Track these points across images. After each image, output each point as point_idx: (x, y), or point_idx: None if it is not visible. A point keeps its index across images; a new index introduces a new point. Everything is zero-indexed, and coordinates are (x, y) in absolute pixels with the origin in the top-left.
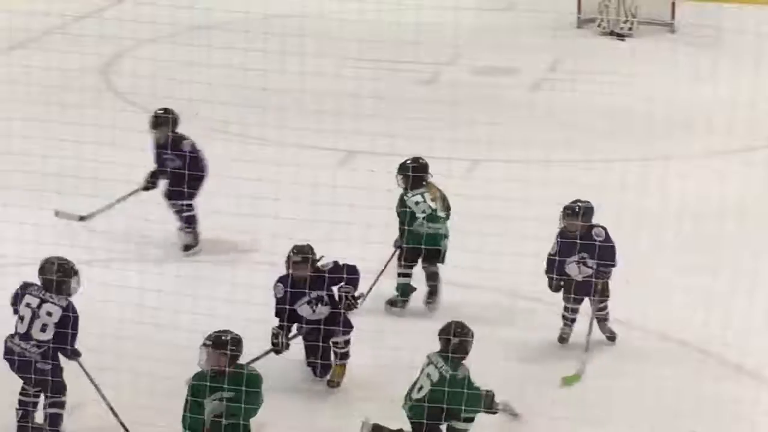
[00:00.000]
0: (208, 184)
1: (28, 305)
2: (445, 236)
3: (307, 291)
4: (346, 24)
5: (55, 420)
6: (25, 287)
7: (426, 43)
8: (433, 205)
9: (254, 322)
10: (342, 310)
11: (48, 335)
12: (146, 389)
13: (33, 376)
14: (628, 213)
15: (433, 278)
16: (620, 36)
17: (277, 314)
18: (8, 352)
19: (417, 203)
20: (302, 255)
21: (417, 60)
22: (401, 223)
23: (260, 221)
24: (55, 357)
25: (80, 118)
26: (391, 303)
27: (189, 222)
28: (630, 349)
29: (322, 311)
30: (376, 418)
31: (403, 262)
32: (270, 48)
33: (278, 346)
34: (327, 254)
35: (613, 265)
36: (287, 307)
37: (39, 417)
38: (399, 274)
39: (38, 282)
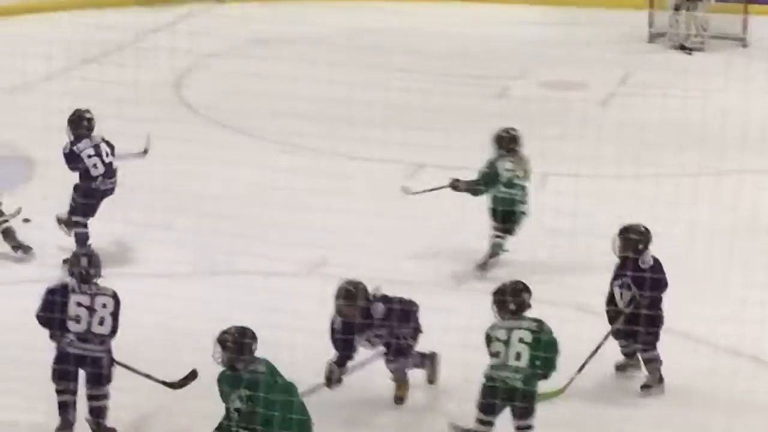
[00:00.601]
0: (278, 199)
1: (79, 304)
2: (521, 203)
3: (359, 333)
4: (415, 38)
5: (103, 412)
6: (63, 290)
7: (495, 57)
8: (516, 172)
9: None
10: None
11: (106, 327)
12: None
13: (92, 370)
14: (701, 228)
15: (495, 248)
16: (689, 50)
17: (334, 346)
18: (63, 358)
19: (506, 169)
20: (346, 299)
21: (486, 74)
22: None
23: (332, 234)
24: (110, 348)
25: (153, 132)
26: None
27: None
28: (702, 366)
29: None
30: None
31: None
32: (342, 61)
33: (330, 382)
34: (397, 267)
35: (656, 296)
36: (343, 337)
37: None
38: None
39: (69, 280)
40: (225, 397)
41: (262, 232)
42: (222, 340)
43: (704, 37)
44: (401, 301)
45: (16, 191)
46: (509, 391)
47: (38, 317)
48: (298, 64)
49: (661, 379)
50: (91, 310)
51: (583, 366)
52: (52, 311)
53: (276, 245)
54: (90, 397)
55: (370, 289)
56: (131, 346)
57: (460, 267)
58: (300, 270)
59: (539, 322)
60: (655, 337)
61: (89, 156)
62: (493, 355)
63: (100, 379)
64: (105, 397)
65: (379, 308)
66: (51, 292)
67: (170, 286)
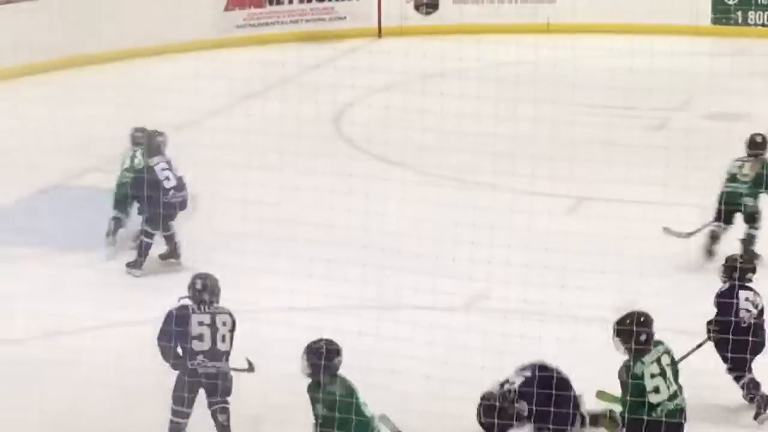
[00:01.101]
0: (442, 233)
1: (201, 323)
2: (747, 195)
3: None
4: (578, 70)
5: (228, 424)
6: (182, 312)
7: (657, 88)
8: (745, 171)
9: (487, 369)
10: None
11: (227, 344)
12: None
13: (221, 383)
14: None
15: (747, 242)
16: None
17: None
18: (192, 374)
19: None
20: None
21: (649, 106)
22: None
23: (492, 267)
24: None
25: (314, 166)
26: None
27: None
28: None
29: None
30: None
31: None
32: (502, 95)
33: None
34: (560, 301)
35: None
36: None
37: None
38: None
39: (188, 302)
40: (312, 403)
41: (425, 266)
42: (306, 353)
43: None
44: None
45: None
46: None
47: (162, 343)
48: (457, 99)
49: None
50: (213, 328)
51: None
52: (173, 334)
53: (440, 279)
54: (220, 410)
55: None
56: (296, 378)
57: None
58: (462, 304)
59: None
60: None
61: (162, 169)
62: (654, 391)
63: (228, 391)
64: (227, 410)
65: (523, 407)
66: (170, 315)
67: (334, 319)
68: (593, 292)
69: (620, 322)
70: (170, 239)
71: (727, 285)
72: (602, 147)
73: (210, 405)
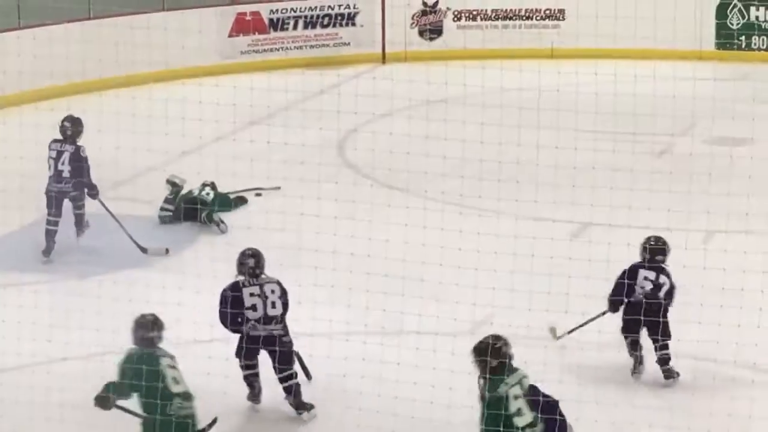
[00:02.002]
0: (444, 258)
1: (252, 294)
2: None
3: None
4: (581, 96)
5: (297, 389)
6: (236, 288)
7: (661, 114)
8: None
9: None
10: None
11: (278, 309)
12: None
13: (278, 348)
14: None
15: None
16: None
17: None
18: (252, 340)
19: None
20: None
21: (652, 131)
22: None
23: (496, 293)
24: (287, 328)
25: (318, 192)
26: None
27: None
28: None
29: None
30: None
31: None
32: (506, 121)
33: None
34: (563, 325)
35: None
36: None
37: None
38: None
39: (240, 278)
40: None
41: (428, 292)
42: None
43: None
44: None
45: (182, 253)
46: None
47: (223, 317)
48: (460, 124)
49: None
50: (263, 297)
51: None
52: (231, 306)
53: (444, 304)
54: (281, 380)
55: None
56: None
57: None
58: (466, 329)
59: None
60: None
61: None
62: (517, 414)
63: (285, 358)
64: (293, 376)
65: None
66: (226, 291)
67: (338, 345)
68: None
69: (477, 348)
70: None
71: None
72: (606, 172)
73: (278, 380)
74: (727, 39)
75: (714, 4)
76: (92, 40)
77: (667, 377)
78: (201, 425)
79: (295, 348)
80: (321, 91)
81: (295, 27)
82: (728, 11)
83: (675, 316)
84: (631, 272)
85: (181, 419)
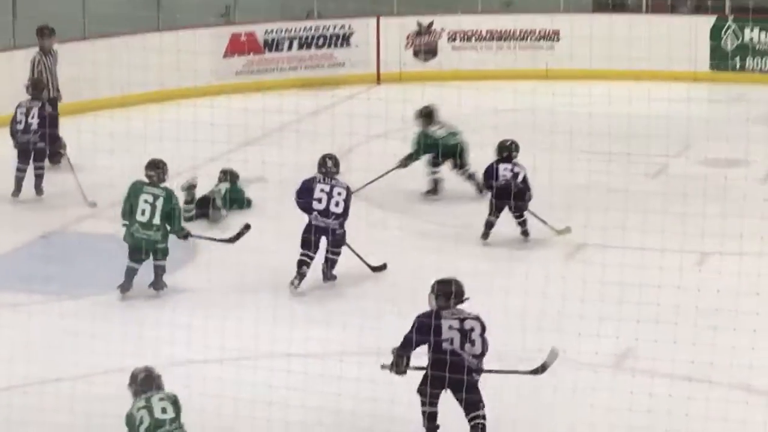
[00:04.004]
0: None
1: (322, 190)
2: None
3: None
4: (576, 117)
5: (335, 264)
6: (311, 181)
7: (655, 135)
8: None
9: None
10: None
11: (339, 208)
12: None
13: (331, 237)
14: None
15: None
16: None
17: None
18: (315, 228)
19: None
20: None
21: (647, 152)
22: None
23: (491, 314)
24: (343, 225)
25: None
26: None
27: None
28: None
29: None
30: None
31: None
32: (494, 142)
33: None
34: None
35: None
36: None
37: None
38: None
39: (317, 175)
40: None
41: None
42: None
43: None
44: None
45: (176, 274)
46: None
47: (297, 201)
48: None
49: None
50: (329, 195)
51: None
52: (306, 194)
53: None
54: (328, 258)
55: None
56: (297, 425)
57: (618, 348)
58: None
59: None
60: None
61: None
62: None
63: (336, 242)
64: (339, 254)
65: None
66: (304, 182)
67: (333, 366)
68: (591, 339)
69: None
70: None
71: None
72: (600, 193)
73: (326, 253)
74: (721, 60)
75: (708, 25)
76: (87, 61)
77: (523, 234)
78: None
79: (290, 371)
80: (315, 112)
81: (289, 48)
82: (723, 33)
83: (668, 336)
84: (492, 167)
85: None
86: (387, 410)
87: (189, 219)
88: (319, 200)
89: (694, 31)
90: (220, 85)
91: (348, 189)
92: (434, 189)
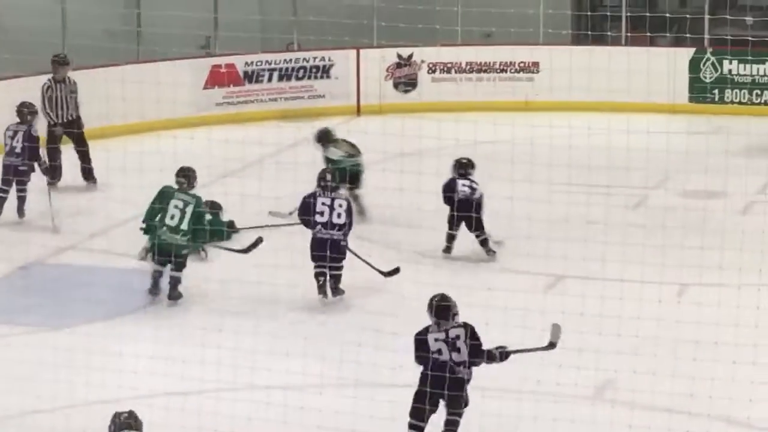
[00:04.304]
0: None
1: (323, 204)
2: None
3: None
4: (555, 149)
5: (339, 279)
6: (312, 196)
7: (635, 167)
8: None
9: None
10: None
11: (342, 219)
12: None
13: (334, 249)
14: None
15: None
16: None
17: None
18: (318, 241)
19: None
20: None
21: (626, 184)
22: None
23: None
24: (346, 236)
25: (293, 244)
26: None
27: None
28: None
29: None
30: None
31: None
32: (480, 173)
33: None
34: (538, 379)
35: None
36: None
37: None
38: None
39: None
40: None
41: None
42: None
43: None
44: None
45: (156, 305)
46: None
47: (300, 218)
48: (435, 177)
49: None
50: (331, 207)
51: None
52: (307, 210)
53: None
54: (331, 269)
55: None
56: None
57: (598, 380)
58: None
59: None
60: None
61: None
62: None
63: (336, 251)
64: (341, 268)
65: None
66: (304, 198)
67: (312, 398)
68: (571, 370)
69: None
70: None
71: (449, 177)
72: (580, 225)
73: (329, 268)
74: (700, 92)
75: (687, 57)
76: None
77: (488, 253)
78: None
79: (269, 402)
80: (295, 144)
81: (269, 79)
82: (701, 65)
83: (648, 367)
84: (452, 182)
85: None
86: None
87: None
88: (321, 213)
89: (673, 63)
90: (200, 116)
91: (348, 201)
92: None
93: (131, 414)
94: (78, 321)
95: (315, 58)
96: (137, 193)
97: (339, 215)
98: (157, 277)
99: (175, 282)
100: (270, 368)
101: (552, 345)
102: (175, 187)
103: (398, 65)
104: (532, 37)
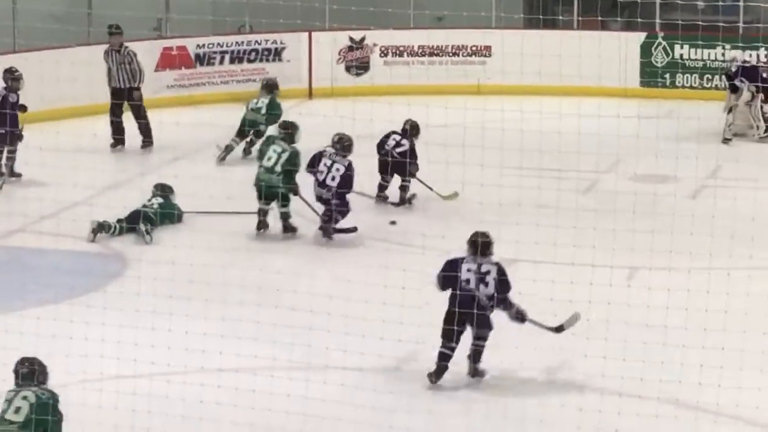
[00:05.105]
0: (371, 294)
1: (324, 164)
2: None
3: None
4: (507, 132)
5: (329, 225)
6: (321, 153)
7: (585, 151)
8: None
9: None
10: None
11: (335, 181)
12: None
13: (329, 207)
14: None
15: None
16: (726, 140)
17: None
18: (317, 195)
19: None
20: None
21: (577, 168)
22: None
23: (421, 330)
24: (338, 196)
25: (244, 228)
26: None
27: None
28: None
29: None
30: None
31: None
32: (432, 157)
33: None
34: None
35: None
36: None
37: None
38: None
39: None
40: None
41: (354, 328)
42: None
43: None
44: None
45: (106, 288)
46: None
47: (307, 166)
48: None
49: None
50: (329, 169)
51: None
52: (312, 164)
53: (369, 340)
54: (323, 220)
55: None
56: None
57: (552, 361)
58: (391, 366)
59: None
60: None
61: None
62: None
63: (327, 213)
64: (336, 217)
65: None
66: (317, 153)
67: (263, 381)
68: (527, 351)
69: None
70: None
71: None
72: (531, 209)
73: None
74: (651, 77)
75: (638, 42)
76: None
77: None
78: None
79: (221, 386)
80: None
81: (221, 62)
82: (653, 49)
83: (601, 349)
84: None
85: None
86: (317, 426)
87: (115, 233)
88: (320, 173)
89: (624, 47)
90: (151, 99)
91: (349, 167)
92: None
93: (33, 363)
94: (28, 304)
95: (267, 41)
96: (88, 176)
97: (333, 178)
98: (260, 214)
99: (284, 216)
100: (221, 351)
101: (561, 328)
102: (279, 136)
103: (350, 48)
104: (484, 21)
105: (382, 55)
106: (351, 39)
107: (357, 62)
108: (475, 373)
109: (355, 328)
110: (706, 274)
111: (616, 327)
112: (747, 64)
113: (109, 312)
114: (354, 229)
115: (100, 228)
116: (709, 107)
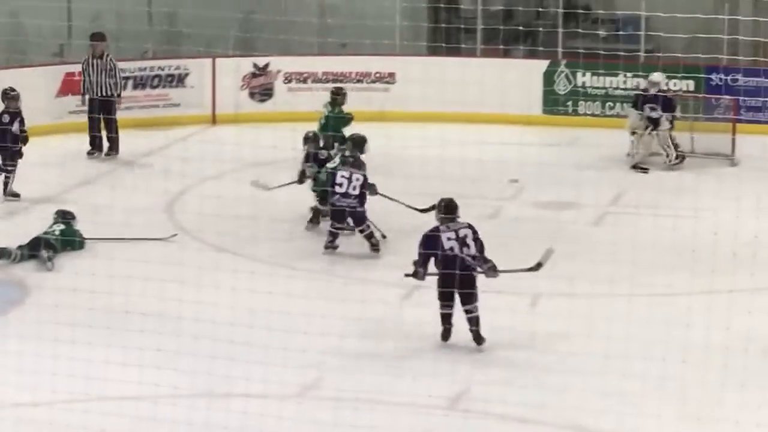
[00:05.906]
0: (273, 321)
1: (342, 176)
2: None
3: None
4: (409, 160)
5: (371, 234)
6: (332, 169)
7: (488, 178)
8: None
9: None
10: None
11: (356, 191)
12: None
13: (354, 216)
14: (694, 348)
15: None
16: (643, 169)
17: None
18: (337, 210)
19: None
20: None
21: (481, 195)
22: None
23: (325, 356)
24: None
25: (145, 255)
26: None
27: None
28: None
29: None
30: None
31: None
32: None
33: None
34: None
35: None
36: None
37: None
38: None
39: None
40: None
41: (257, 356)
42: None
43: (671, 156)
44: None
45: (7, 315)
46: None
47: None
48: (290, 187)
49: None
50: (349, 180)
51: None
52: (326, 181)
53: (272, 368)
54: (366, 236)
55: None
56: None
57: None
58: (294, 393)
59: None
60: None
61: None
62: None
63: (358, 219)
64: (365, 230)
65: None
66: (330, 170)
67: (165, 409)
68: (426, 379)
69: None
70: None
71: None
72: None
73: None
74: (554, 104)
75: (541, 69)
76: None
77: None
78: None
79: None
80: (150, 152)
81: (124, 88)
82: (555, 77)
83: (503, 375)
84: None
85: None
86: None
87: (16, 260)
88: (340, 185)
89: (527, 75)
90: (54, 124)
91: (365, 175)
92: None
93: None
94: None
95: (170, 67)
96: None
97: (354, 187)
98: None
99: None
100: (123, 379)
101: (539, 265)
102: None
103: (254, 75)
104: (388, 48)
105: (286, 81)
106: (255, 65)
107: (261, 88)
108: (478, 337)
109: (258, 356)
110: (608, 300)
111: (519, 353)
112: (664, 94)
113: (10, 339)
114: (353, 230)
115: (1, 254)
116: (611, 134)
